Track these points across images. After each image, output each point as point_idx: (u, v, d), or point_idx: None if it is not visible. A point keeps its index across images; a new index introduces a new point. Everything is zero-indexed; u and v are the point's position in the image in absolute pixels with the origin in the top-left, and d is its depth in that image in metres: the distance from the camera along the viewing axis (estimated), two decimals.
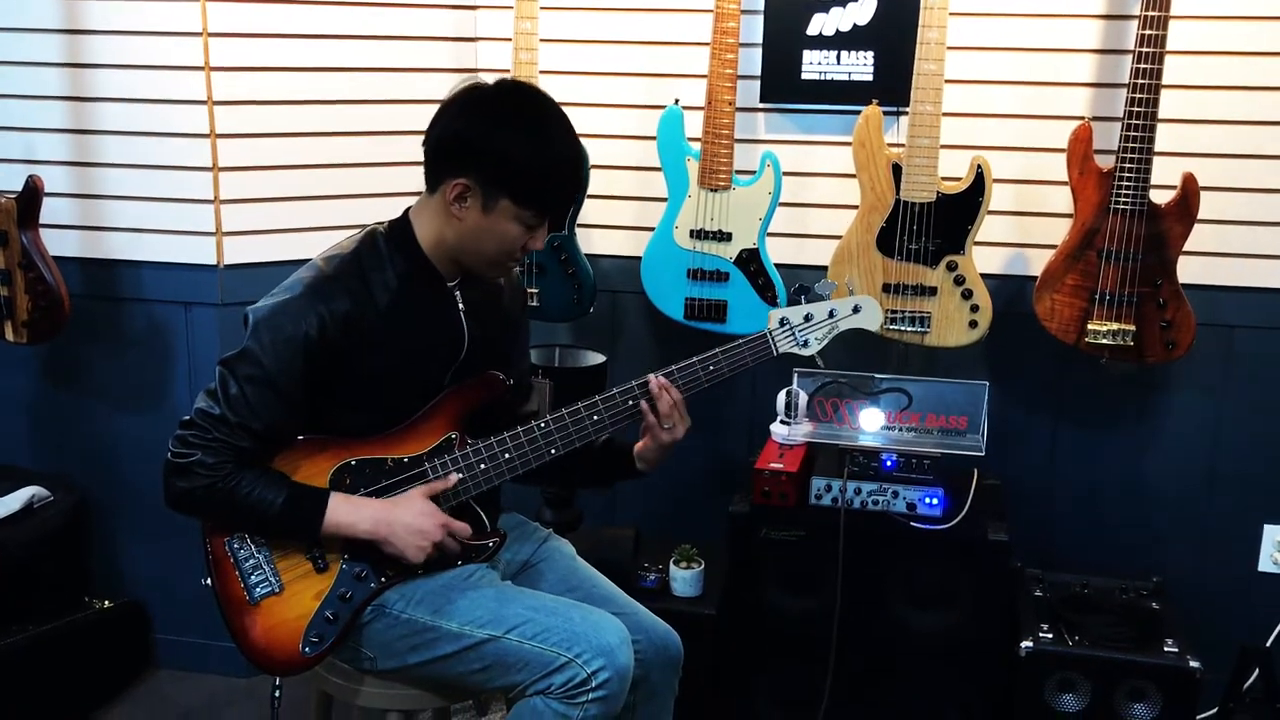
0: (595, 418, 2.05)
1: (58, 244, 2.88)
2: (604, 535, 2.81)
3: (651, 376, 2.06)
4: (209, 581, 1.98)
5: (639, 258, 2.93)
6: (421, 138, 1.99)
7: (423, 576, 2.02)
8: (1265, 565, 2.96)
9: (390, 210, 2.08)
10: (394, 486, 2.01)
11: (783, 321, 2.11)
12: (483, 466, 2.04)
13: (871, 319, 2.15)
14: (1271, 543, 2.95)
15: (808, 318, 2.11)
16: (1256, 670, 2.71)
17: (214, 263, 2.92)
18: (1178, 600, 2.76)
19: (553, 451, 2.04)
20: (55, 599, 2.96)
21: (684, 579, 2.76)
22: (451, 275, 2.05)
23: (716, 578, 2.79)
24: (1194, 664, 2.50)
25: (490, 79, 2.02)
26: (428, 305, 2.02)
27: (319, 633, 1.97)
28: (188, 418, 1.93)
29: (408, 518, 1.97)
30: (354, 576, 1.99)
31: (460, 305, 2.06)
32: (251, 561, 1.97)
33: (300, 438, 1.99)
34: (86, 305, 2.97)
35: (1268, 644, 2.86)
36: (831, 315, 2.12)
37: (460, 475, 2.03)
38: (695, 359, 2.08)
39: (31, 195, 2.76)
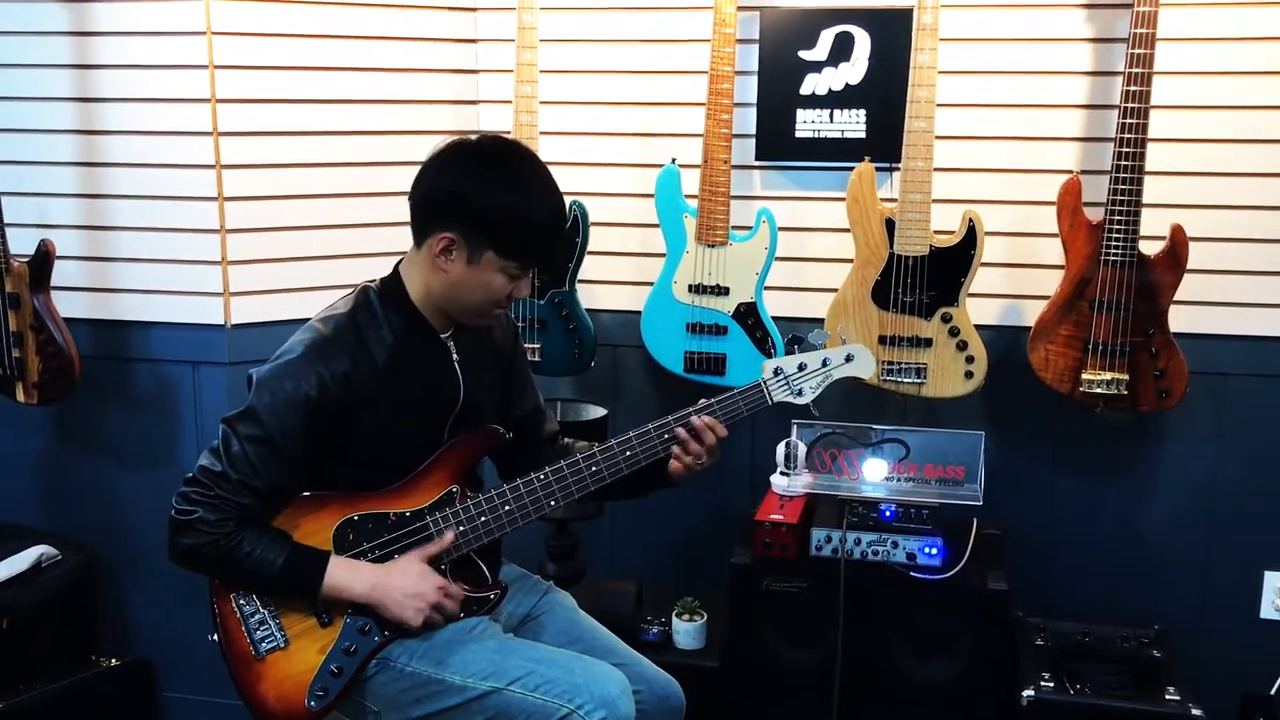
0: (594, 469, 2.08)
1: (68, 306, 2.94)
2: (606, 588, 2.83)
3: (694, 416, 2.10)
4: (215, 637, 2.01)
5: (639, 312, 2.98)
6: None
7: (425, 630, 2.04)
8: (1267, 613, 2.96)
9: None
10: (396, 541, 2.04)
11: (777, 371, 2.14)
12: (483, 519, 2.07)
13: (865, 367, 2.18)
14: (1272, 590, 2.95)
15: (801, 367, 2.15)
16: (1260, 719, 2.71)
17: (221, 322, 2.97)
18: (1179, 648, 2.77)
19: (551, 504, 2.08)
20: (63, 657, 2.98)
21: (686, 631, 2.78)
22: (444, 327, 2.10)
23: (719, 629, 2.80)
24: (1196, 712, 2.49)
25: (474, 136, 2.07)
26: (423, 359, 2.07)
27: (324, 686, 1.99)
28: (191, 474, 1.97)
29: (404, 582, 2.00)
30: (358, 630, 2.01)
31: (455, 355, 2.11)
32: (257, 617, 2.00)
33: (305, 494, 2.03)
34: (96, 366, 3.01)
35: (1271, 692, 2.85)
36: (825, 364, 2.16)
37: (456, 533, 2.06)
38: (690, 410, 2.11)
39: (43, 259, 2.81)
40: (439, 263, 1.99)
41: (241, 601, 2.01)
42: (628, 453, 2.09)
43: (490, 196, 1.95)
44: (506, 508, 2.07)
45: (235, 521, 1.95)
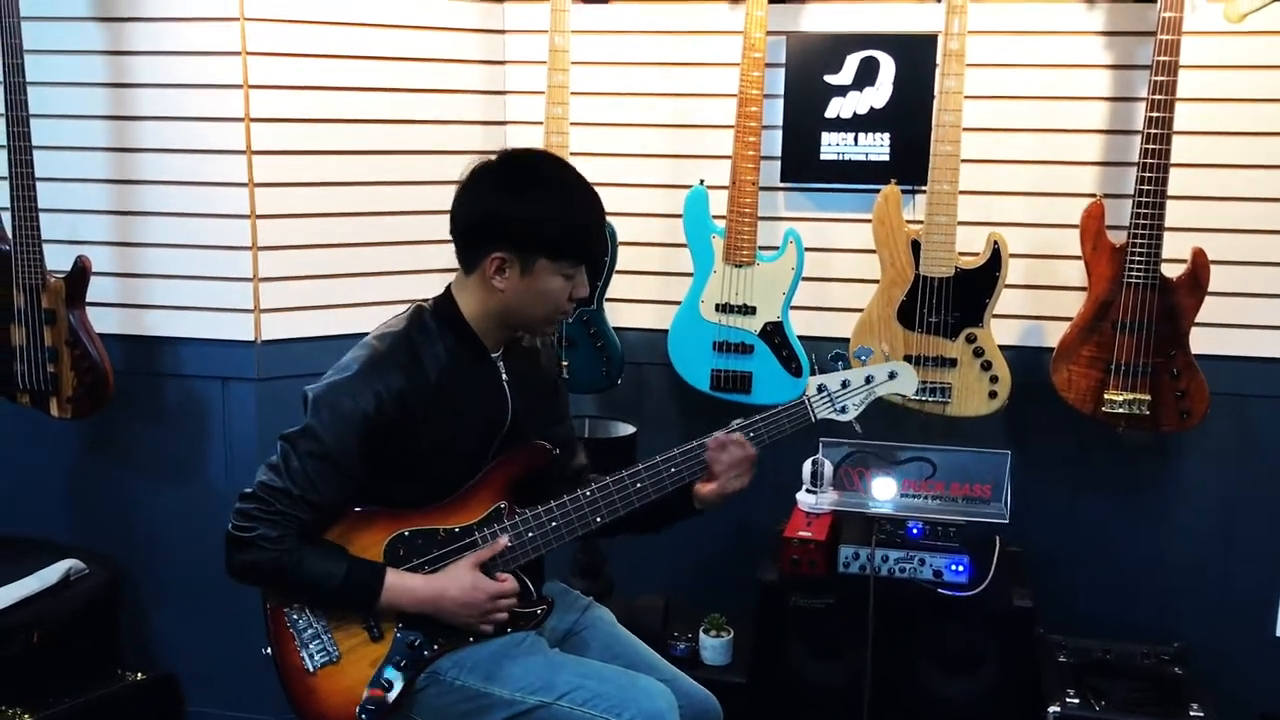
0: (639, 485, 2.11)
1: (101, 321, 2.96)
2: (634, 604, 2.86)
3: (720, 432, 2.12)
4: (268, 650, 2.03)
5: (665, 331, 3.02)
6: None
7: (474, 644, 2.07)
8: None
9: (422, 285, 2.16)
10: (445, 556, 2.07)
11: (820, 388, 2.17)
12: (530, 535, 2.10)
13: (907, 384, 2.21)
14: None
15: (845, 384, 2.18)
16: None
17: (252, 339, 3.00)
18: (1199, 666, 2.80)
19: (598, 520, 2.11)
20: (90, 670, 2.99)
21: (714, 647, 2.81)
22: (495, 347, 2.13)
23: (746, 646, 2.83)
24: None
25: (492, 156, 2.11)
26: (475, 378, 2.10)
27: (374, 700, 2.01)
28: (249, 490, 1.99)
29: (456, 591, 2.03)
30: (408, 645, 2.04)
31: (504, 376, 2.14)
32: (310, 631, 2.03)
33: (357, 509, 2.05)
34: (127, 381, 3.02)
35: None
36: (868, 381, 2.18)
37: (509, 541, 2.09)
38: (736, 424, 2.15)
39: (80, 275, 2.84)
40: (495, 282, 2.03)
41: (295, 615, 2.03)
42: (672, 469, 2.12)
43: (526, 207, 1.99)
44: (553, 524, 2.10)
45: (295, 537, 1.97)
